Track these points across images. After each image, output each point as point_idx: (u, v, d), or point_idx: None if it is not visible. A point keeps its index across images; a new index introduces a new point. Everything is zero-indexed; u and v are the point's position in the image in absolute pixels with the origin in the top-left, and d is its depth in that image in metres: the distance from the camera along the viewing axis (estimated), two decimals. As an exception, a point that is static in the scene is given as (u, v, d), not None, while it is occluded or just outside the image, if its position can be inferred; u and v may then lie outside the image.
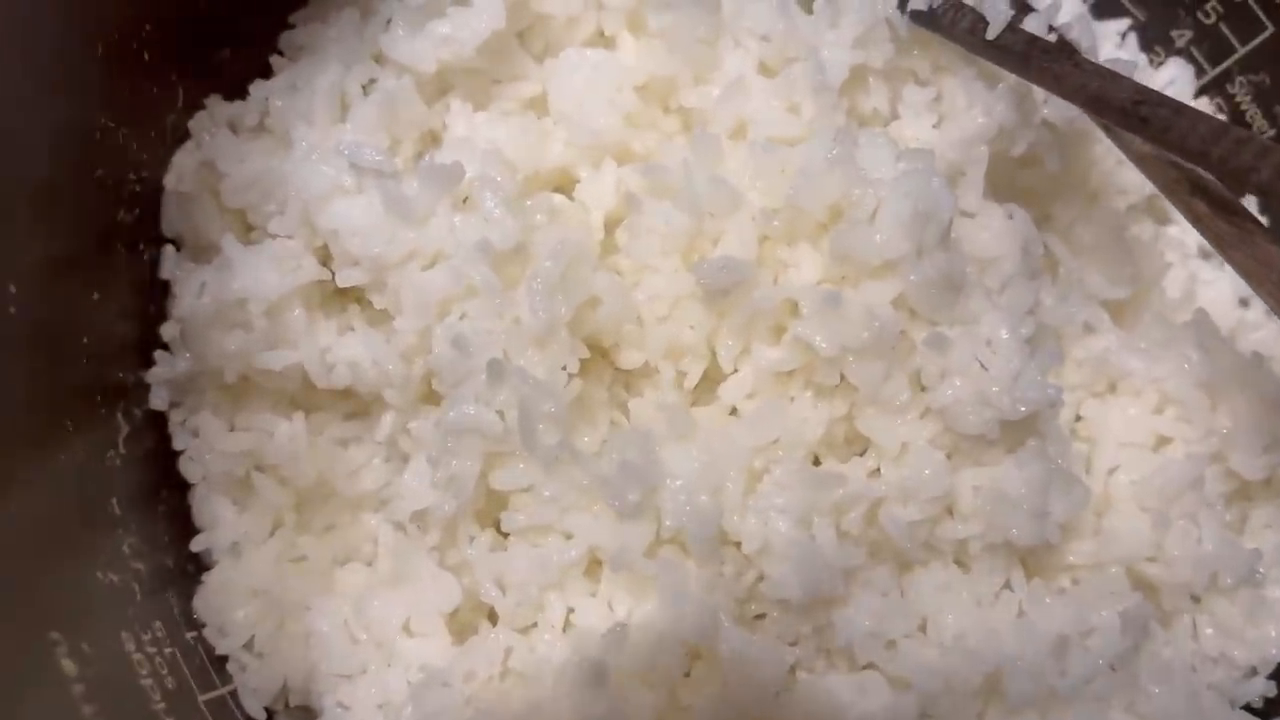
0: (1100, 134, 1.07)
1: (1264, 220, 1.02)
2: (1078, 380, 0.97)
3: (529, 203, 0.89)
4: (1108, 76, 0.83)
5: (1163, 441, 0.95)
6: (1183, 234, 1.12)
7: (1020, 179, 1.03)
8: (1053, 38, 0.92)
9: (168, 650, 0.82)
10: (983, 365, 0.85)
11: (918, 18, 0.94)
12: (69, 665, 0.64)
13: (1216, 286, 1.10)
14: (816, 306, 0.83)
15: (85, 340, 0.82)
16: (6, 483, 0.66)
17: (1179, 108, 0.78)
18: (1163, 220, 1.13)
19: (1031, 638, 0.87)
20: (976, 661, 0.86)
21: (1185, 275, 1.09)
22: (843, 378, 0.86)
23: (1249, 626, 0.94)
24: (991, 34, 0.89)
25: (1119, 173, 1.11)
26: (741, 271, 0.84)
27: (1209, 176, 0.86)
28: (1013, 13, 0.90)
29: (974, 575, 0.90)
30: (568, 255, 0.85)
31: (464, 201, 0.89)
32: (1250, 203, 1.09)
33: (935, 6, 0.93)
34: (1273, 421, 0.92)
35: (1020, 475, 0.85)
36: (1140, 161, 0.91)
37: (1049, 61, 0.86)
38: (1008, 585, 0.90)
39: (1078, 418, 0.97)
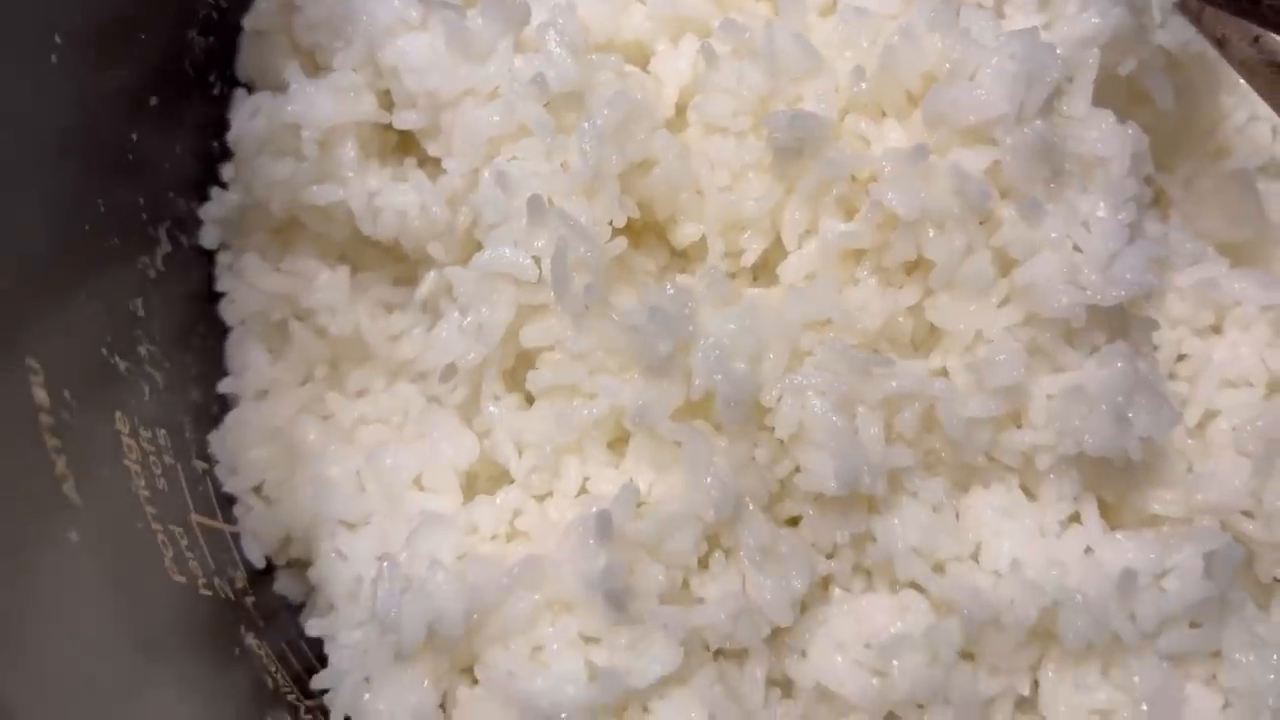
0: (1231, 82, 0.99)
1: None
2: (1181, 313, 0.87)
3: (595, 56, 0.85)
4: (1224, -41, 0.76)
5: (1274, 386, 0.84)
6: (1322, 202, 1.02)
7: (1133, 115, 0.95)
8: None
9: (168, 460, 0.79)
10: (1077, 247, 0.77)
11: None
12: (40, 395, 0.61)
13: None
14: (900, 165, 0.77)
15: (135, 138, 0.81)
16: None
17: None
18: (1301, 186, 1.03)
19: (1097, 573, 0.76)
20: (1033, 594, 0.76)
21: (1322, 247, 0.99)
22: (916, 264, 0.80)
23: (1364, 611, 0.82)
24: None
25: (1251, 129, 1.02)
26: (817, 127, 0.79)
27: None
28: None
29: (1041, 502, 0.81)
30: (627, 107, 0.81)
31: (535, 53, 0.85)
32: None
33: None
34: None
35: (1101, 374, 0.76)
36: (1244, 68, 0.84)
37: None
38: (1077, 520, 0.80)
39: (1179, 357, 0.87)
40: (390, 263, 0.94)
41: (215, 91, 0.92)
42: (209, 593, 0.76)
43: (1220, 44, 0.86)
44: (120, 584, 0.65)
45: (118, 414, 0.73)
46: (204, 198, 0.91)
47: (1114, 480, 0.80)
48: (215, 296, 0.93)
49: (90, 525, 0.63)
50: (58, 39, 0.70)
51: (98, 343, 0.73)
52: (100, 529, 0.64)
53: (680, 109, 0.88)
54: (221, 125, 0.92)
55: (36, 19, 0.69)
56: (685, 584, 0.78)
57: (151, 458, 0.76)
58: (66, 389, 0.65)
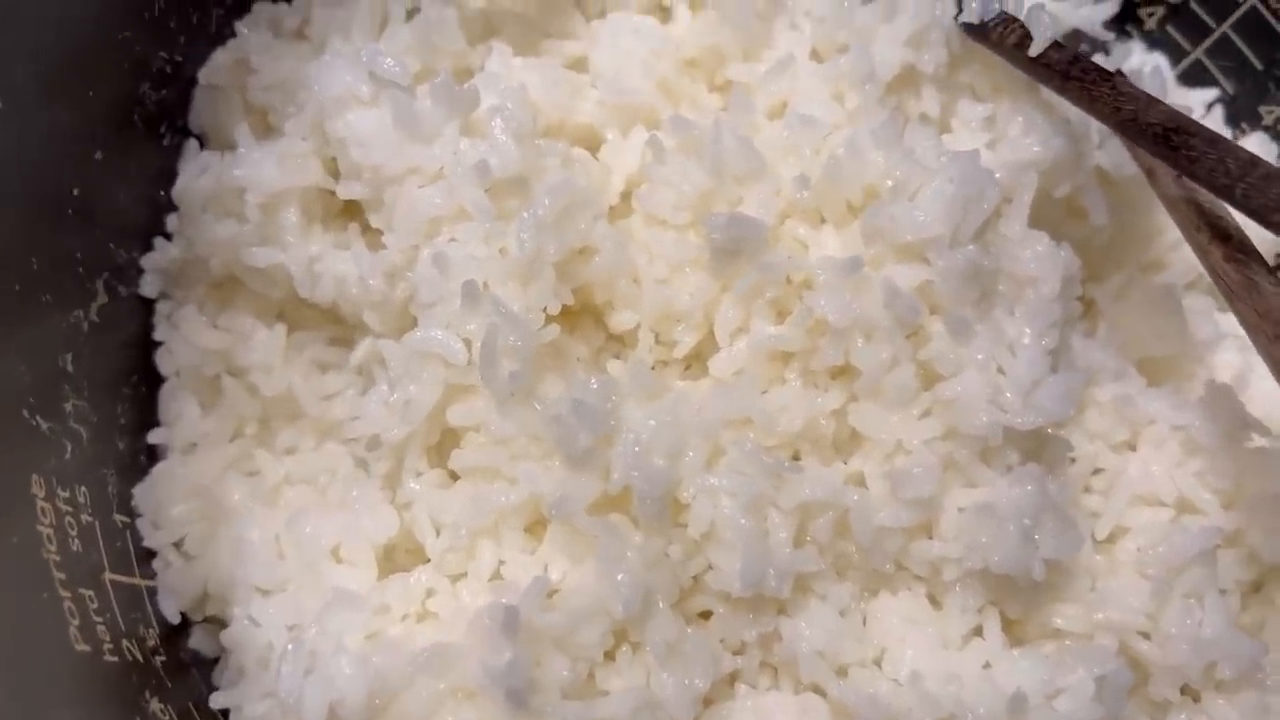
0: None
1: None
2: (1099, 428, 0.89)
3: (542, 142, 0.86)
4: (1144, 101, 0.79)
5: (1182, 506, 0.86)
6: (1245, 322, 1.05)
7: (1069, 230, 0.97)
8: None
9: (86, 518, 0.79)
10: (1001, 369, 0.79)
11: (969, 29, 0.90)
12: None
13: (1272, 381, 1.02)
14: (835, 275, 0.79)
15: (76, 193, 0.81)
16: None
17: (1213, 139, 0.75)
18: (1225, 306, 1.06)
19: (992, 691, 0.78)
20: (930, 706, 0.77)
21: (1240, 362, 1.01)
22: (843, 370, 0.81)
23: (1249, 736, 0.84)
24: (1035, 50, 0.85)
25: (1184, 247, 1.04)
26: (755, 230, 0.80)
27: (1232, 223, 0.81)
28: (1057, 34, 0.86)
29: (946, 613, 0.82)
30: (569, 196, 0.82)
31: (481, 138, 0.86)
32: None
33: (986, 20, 0.89)
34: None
35: (1012, 494, 0.78)
36: (1166, 201, 0.86)
37: (1088, 82, 0.82)
38: (980, 633, 0.82)
39: (1095, 470, 0.89)
40: (327, 323, 0.95)
41: (166, 142, 0.92)
42: (114, 658, 0.75)
43: (1149, 174, 0.88)
44: (19, 663, 0.65)
45: (34, 477, 0.73)
46: (147, 246, 0.91)
47: (1018, 596, 0.82)
48: (151, 343, 0.93)
49: (-9, 603, 0.63)
50: (-1, 102, 0.71)
51: (18, 405, 0.73)
52: (2, 605, 0.64)
53: (626, 195, 0.90)
54: (170, 175, 0.92)
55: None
56: (591, 676, 0.79)
57: (68, 519, 0.76)
58: (-22, 459, 0.66)
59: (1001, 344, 0.80)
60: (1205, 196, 0.84)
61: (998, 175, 0.85)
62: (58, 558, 0.73)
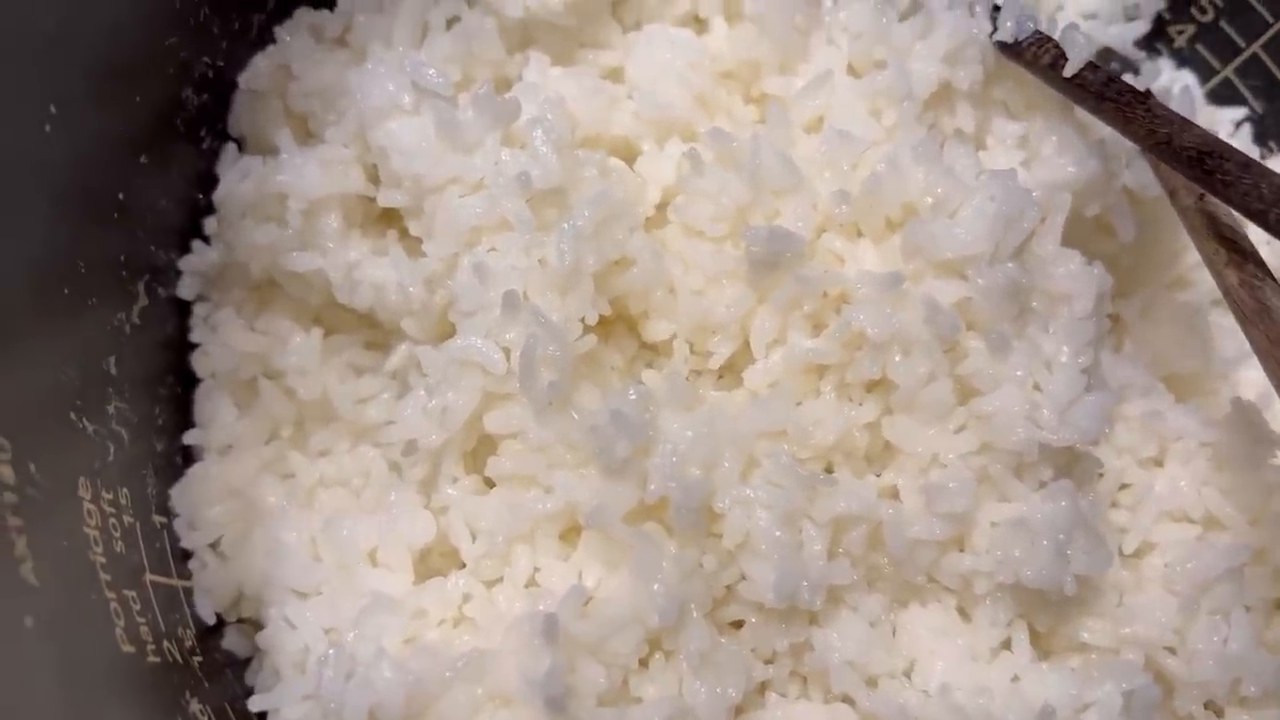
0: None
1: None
2: (1126, 443, 0.90)
3: (580, 153, 0.87)
4: (1178, 124, 0.80)
5: (1209, 523, 0.87)
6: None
7: (1096, 245, 0.98)
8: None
9: (128, 519, 0.79)
10: (1037, 386, 0.80)
11: (1004, 48, 0.91)
12: (6, 473, 0.62)
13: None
14: (875, 290, 0.79)
15: (121, 197, 0.82)
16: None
17: (1247, 162, 0.75)
18: (1252, 323, 1.07)
19: (1020, 704, 0.79)
20: (958, 717, 0.78)
21: (1265, 380, 1.01)
22: (878, 383, 0.82)
23: (1273, 753, 0.85)
24: (1070, 70, 0.86)
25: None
26: (793, 244, 0.81)
27: (1249, 247, 0.82)
28: (1093, 53, 0.87)
29: (975, 625, 0.83)
30: (608, 207, 0.83)
31: (521, 149, 0.87)
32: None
33: (1020, 39, 0.90)
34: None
35: (1045, 509, 0.79)
36: (1186, 221, 0.87)
37: (1122, 103, 0.83)
38: (1008, 646, 0.83)
39: (1122, 485, 0.90)
40: (364, 327, 0.95)
41: (205, 145, 0.93)
42: (156, 659, 0.76)
43: (1171, 195, 0.89)
44: (71, 664, 0.65)
45: (81, 480, 0.73)
46: (185, 248, 0.92)
47: (1047, 610, 0.83)
48: (187, 345, 0.94)
49: (46, 607, 0.63)
50: (53, 109, 0.71)
51: (67, 409, 0.74)
52: (56, 609, 0.65)
53: (662, 206, 0.91)
54: (208, 178, 0.93)
55: (32, 92, 0.70)
56: (624, 683, 0.79)
57: (112, 520, 0.76)
58: (33, 463, 0.66)
59: (1038, 360, 0.81)
60: (1224, 219, 0.85)
61: (1035, 194, 0.86)
62: (103, 559, 0.73)
